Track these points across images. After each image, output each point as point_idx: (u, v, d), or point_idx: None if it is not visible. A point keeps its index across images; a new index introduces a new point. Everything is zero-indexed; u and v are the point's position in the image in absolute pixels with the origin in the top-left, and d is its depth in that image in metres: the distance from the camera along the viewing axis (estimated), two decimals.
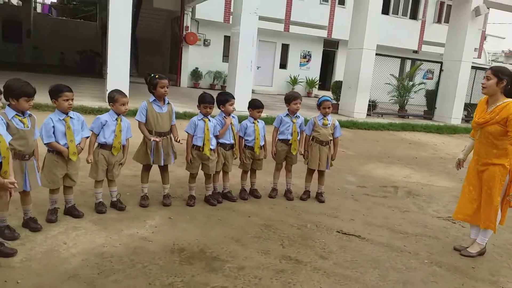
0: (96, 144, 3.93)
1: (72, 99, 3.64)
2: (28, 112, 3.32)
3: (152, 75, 4.24)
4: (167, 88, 4.22)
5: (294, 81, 20.47)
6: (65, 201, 3.85)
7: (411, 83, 14.76)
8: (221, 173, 4.76)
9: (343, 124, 11.22)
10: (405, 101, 14.76)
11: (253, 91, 17.93)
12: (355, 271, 3.36)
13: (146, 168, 4.37)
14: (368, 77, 12.93)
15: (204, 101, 4.37)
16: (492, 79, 3.58)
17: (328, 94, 15.65)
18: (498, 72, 3.57)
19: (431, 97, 15.02)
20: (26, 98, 3.20)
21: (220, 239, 3.70)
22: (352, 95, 13.08)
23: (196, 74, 18.66)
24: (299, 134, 4.96)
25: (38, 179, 3.45)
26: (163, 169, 4.42)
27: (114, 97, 3.91)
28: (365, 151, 8.70)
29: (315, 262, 3.45)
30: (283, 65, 20.73)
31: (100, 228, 3.67)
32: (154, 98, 4.22)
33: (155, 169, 4.42)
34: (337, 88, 14.50)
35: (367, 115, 13.37)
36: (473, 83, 15.05)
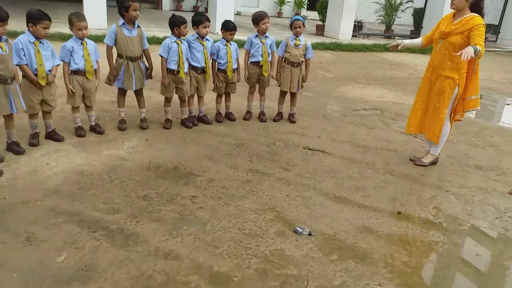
0: (69, 72, 4.03)
1: (49, 27, 3.69)
2: (5, 37, 3.40)
3: None
4: (138, 11, 4.21)
5: (281, 2, 19.76)
6: (45, 126, 4.06)
7: (398, 1, 14.37)
8: (196, 97, 4.93)
9: (327, 46, 11.17)
10: (392, 21, 14.48)
11: (238, 13, 17.47)
12: (313, 180, 3.72)
13: (121, 92, 4.52)
14: None
15: (178, 22, 4.39)
16: None
17: (316, 14, 15.28)
18: None
19: (419, 16, 14.73)
20: (0, 22, 3.26)
21: (193, 157, 4.01)
22: (338, 16, 12.80)
23: None
24: (270, 55, 5.05)
25: (22, 102, 3.61)
26: (138, 93, 4.58)
27: (72, 21, 3.91)
28: (344, 73, 8.83)
29: (279, 174, 3.80)
30: None
31: (80, 150, 3.94)
32: (123, 21, 4.23)
33: (132, 94, 4.58)
34: (323, 9, 14.11)
35: (353, 36, 13.21)
36: None
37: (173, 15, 4.53)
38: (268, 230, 2.90)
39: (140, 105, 4.65)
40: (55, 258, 2.44)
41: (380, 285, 2.44)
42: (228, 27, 4.79)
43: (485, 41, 3.60)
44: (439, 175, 4.04)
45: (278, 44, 5.15)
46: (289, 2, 19.92)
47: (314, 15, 17.10)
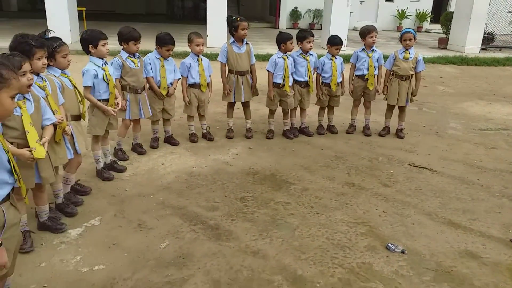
0: (186, 85, 4.52)
1: (172, 50, 4.22)
2: (138, 54, 4.00)
3: (234, 17, 4.60)
4: (247, 30, 4.55)
5: (401, 15, 18.97)
6: (164, 131, 4.60)
7: None
8: (298, 109, 5.07)
9: (450, 60, 10.42)
10: None
11: (354, 28, 17.28)
12: (415, 198, 3.51)
13: (230, 105, 4.89)
14: (484, 5, 11.44)
15: (284, 39, 4.62)
16: None
17: (440, 27, 14.30)
18: None
19: None
20: (134, 41, 3.85)
21: (290, 166, 4.12)
22: (464, 28, 11.81)
23: (295, 14, 18.44)
24: (376, 69, 4.94)
25: (150, 109, 4.18)
26: (245, 105, 4.90)
27: (191, 38, 4.39)
28: (467, 89, 8.07)
29: (377, 189, 3.67)
30: None
31: (192, 153, 4.37)
32: (233, 39, 4.61)
33: (240, 106, 4.92)
34: (447, 21, 13.16)
35: (481, 49, 12.03)
36: None
37: (280, 32, 4.77)
38: (358, 243, 2.84)
39: (246, 116, 4.96)
40: (158, 244, 2.76)
41: None
42: (334, 42, 4.84)
43: None
44: None
45: (386, 58, 5.01)
46: (410, 15, 19.01)
47: (437, 28, 16.03)
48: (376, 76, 4.95)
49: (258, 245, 2.79)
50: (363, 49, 4.92)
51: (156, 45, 4.21)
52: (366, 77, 4.91)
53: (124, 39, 3.83)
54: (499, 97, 7.44)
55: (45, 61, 2.67)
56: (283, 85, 4.67)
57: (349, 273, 2.52)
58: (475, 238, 2.93)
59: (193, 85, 4.50)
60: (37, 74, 2.62)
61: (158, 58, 4.19)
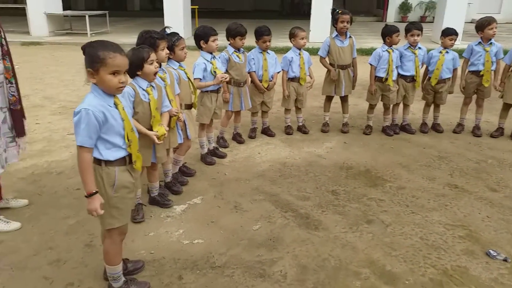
0: (287, 79, 4.65)
1: (270, 41, 4.34)
2: (242, 49, 4.25)
3: (337, 10, 4.61)
4: (347, 23, 4.52)
5: None
6: (262, 123, 4.82)
7: None
8: (401, 106, 4.87)
9: None
10: None
11: (472, 21, 15.73)
12: None
13: (328, 99, 4.91)
14: None
15: (389, 31, 4.49)
16: None
17: None
18: None
19: None
20: (240, 37, 4.09)
21: (387, 164, 4.01)
22: None
23: (405, 7, 17.47)
24: (494, 64, 4.51)
25: (250, 102, 4.41)
26: (344, 100, 4.88)
27: (294, 33, 4.49)
28: None
29: (483, 193, 3.40)
30: None
31: (286, 145, 4.51)
32: (336, 33, 4.61)
33: (338, 101, 4.92)
34: None
35: None
36: None
37: (386, 25, 4.64)
38: (455, 246, 2.69)
39: (344, 110, 4.93)
40: (251, 226, 2.96)
41: None
42: (448, 32, 4.54)
43: None
44: None
45: (506, 52, 4.55)
46: None
47: None
48: (493, 72, 4.53)
49: (348, 238, 2.81)
50: (479, 43, 4.54)
51: (255, 39, 4.38)
52: (481, 73, 4.53)
53: (231, 34, 4.09)
54: None
55: (167, 51, 3.01)
56: (386, 79, 4.54)
57: (441, 274, 2.42)
58: None
59: (293, 79, 4.62)
60: (160, 66, 2.98)
61: (261, 52, 4.39)
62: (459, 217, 3.04)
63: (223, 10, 22.13)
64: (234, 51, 4.14)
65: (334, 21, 4.54)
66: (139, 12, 22.32)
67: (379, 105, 4.79)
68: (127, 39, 10.06)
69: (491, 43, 4.50)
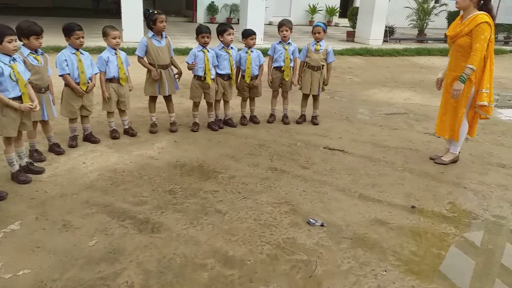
0: (105, 80, 4.40)
1: (83, 37, 4.04)
2: (41, 50, 3.79)
3: (151, 11, 4.57)
4: (165, 22, 4.55)
5: (313, 10, 19.96)
6: (83, 129, 4.44)
7: (431, 5, 14.17)
8: (222, 102, 5.19)
9: (357, 52, 11.23)
10: (425, 25, 14.30)
11: (270, 23, 17.80)
12: (331, 177, 3.85)
13: (152, 99, 4.85)
14: (385, 1, 12.55)
15: (201, 31, 4.69)
16: None
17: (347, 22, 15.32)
18: None
19: (453, 18, 14.42)
20: (35, 36, 3.61)
21: (217, 157, 4.24)
22: (368, 22, 12.84)
23: (212, 9, 18.48)
24: (292, 61, 5.24)
25: (54, 111, 3.96)
26: (168, 99, 4.90)
27: (106, 32, 4.29)
28: (372, 77, 8.84)
29: (297, 171, 3.95)
30: None
31: (114, 150, 4.28)
32: (152, 33, 4.58)
33: (162, 101, 4.91)
34: (353, 15, 14.18)
35: (384, 41, 13.17)
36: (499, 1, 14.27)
37: (199, 25, 4.84)
38: (283, 221, 3.07)
39: (169, 110, 4.96)
40: (87, 242, 2.72)
41: (385, 271, 2.54)
42: (247, 33, 5.03)
43: (504, 40, 3.62)
44: (459, 173, 4.05)
45: (300, 51, 5.34)
46: (321, 10, 20.07)
47: (345, 22, 17.17)
48: (291, 68, 5.26)
49: (190, 233, 2.88)
50: (280, 42, 5.19)
51: (65, 37, 4.01)
52: (282, 68, 5.19)
53: (23, 34, 3.57)
54: (399, 84, 8.28)
55: None
56: (205, 77, 4.76)
57: (276, 248, 2.73)
58: (383, 207, 3.32)
59: (111, 80, 4.40)
60: None
61: (74, 53, 4.03)
62: (282, 195, 3.47)
63: (17, 6, 19.15)
64: (31, 52, 3.66)
65: (151, 22, 4.50)
66: None
67: (203, 102, 5.00)
68: None
69: (289, 43, 5.21)
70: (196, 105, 5.00)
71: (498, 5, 14.54)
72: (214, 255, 2.65)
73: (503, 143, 4.95)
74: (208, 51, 4.76)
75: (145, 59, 4.63)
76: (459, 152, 4.25)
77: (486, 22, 3.60)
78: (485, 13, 3.66)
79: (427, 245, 2.83)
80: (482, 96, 3.80)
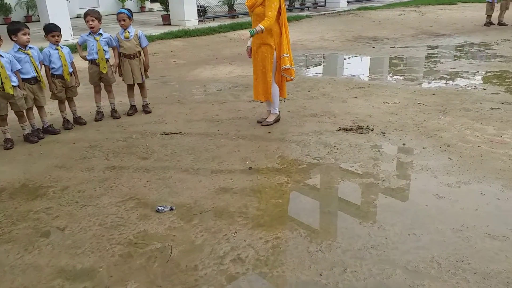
0: None
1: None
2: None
3: None
4: None
5: None
6: None
7: None
8: (36, 109, 4.62)
9: (176, 35, 11.23)
10: (233, 1, 15.15)
11: (78, 16, 16.34)
12: (172, 161, 3.87)
13: None
14: None
15: None
16: None
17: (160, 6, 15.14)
18: None
19: None
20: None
21: (43, 170, 3.80)
22: (180, 3, 12.91)
23: (3, 8, 15.90)
24: (107, 52, 4.97)
25: None
26: None
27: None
28: (195, 57, 9.06)
29: (137, 164, 3.85)
30: None
31: None
32: None
33: None
34: None
35: (199, 21, 13.49)
36: None
37: (11, 22, 4.17)
38: (130, 217, 2.97)
39: None
40: None
41: (236, 232, 2.72)
42: (48, 29, 4.57)
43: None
44: (282, 129, 4.55)
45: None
46: None
47: (158, 6, 16.93)
48: (107, 60, 4.98)
49: (26, 261, 2.55)
50: (90, 33, 4.83)
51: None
52: (97, 61, 4.88)
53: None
54: (221, 60, 8.70)
55: None
56: (2, 87, 4.13)
57: (128, 246, 2.64)
58: (225, 176, 3.52)
59: None
60: None
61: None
62: (126, 192, 3.34)
63: None
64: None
65: None
66: None
67: (12, 115, 4.36)
68: None
69: (100, 33, 4.89)
70: (3, 118, 4.33)
71: None
72: (60, 274, 2.42)
73: (312, 97, 5.73)
74: (2, 56, 4.12)
75: None
76: (279, 111, 4.75)
77: None
78: None
79: (267, 198, 3.14)
80: (284, 60, 4.28)
